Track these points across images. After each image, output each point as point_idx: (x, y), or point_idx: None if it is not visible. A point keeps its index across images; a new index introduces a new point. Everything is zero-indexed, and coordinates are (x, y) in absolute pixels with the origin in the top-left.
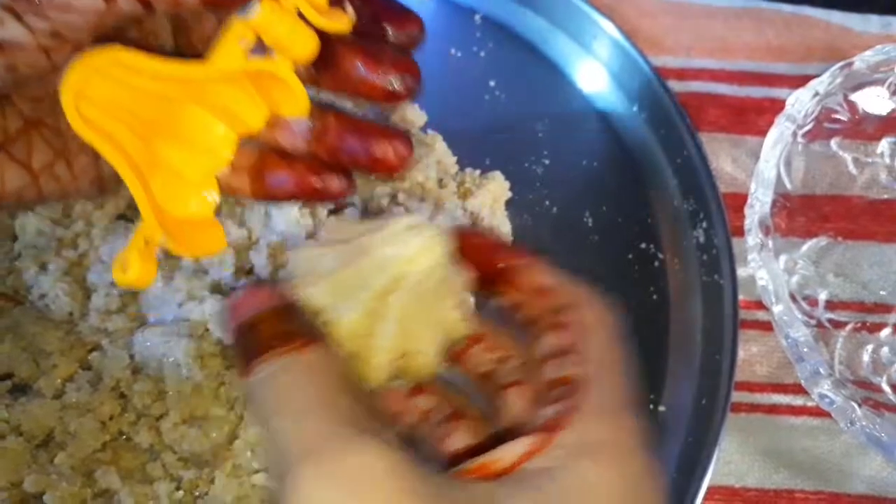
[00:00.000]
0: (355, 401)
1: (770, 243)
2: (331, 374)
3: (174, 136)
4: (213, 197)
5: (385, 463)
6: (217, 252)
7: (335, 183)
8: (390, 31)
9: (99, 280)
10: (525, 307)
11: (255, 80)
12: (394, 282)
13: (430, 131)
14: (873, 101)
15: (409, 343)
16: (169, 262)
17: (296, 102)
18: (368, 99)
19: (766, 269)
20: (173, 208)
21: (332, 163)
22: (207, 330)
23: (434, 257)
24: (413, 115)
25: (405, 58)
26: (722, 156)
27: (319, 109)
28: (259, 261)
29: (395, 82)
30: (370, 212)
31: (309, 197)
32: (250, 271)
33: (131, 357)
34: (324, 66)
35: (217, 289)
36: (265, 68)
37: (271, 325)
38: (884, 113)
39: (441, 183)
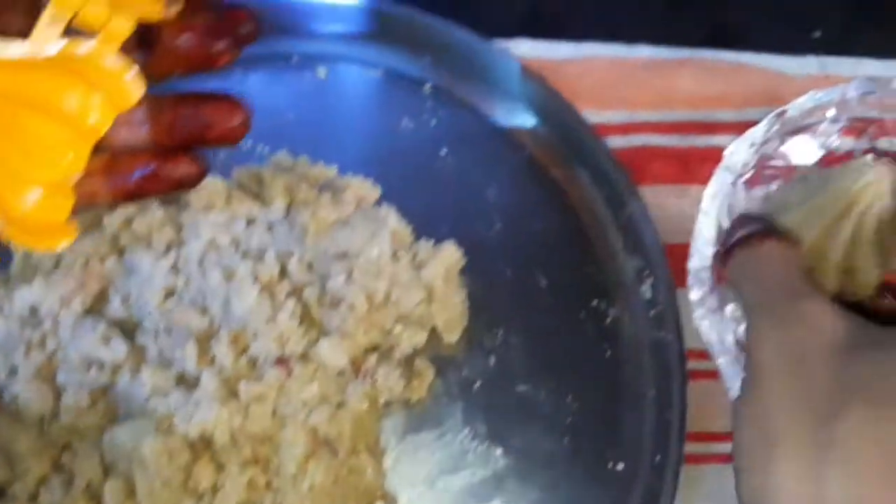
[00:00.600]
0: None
1: (714, 295)
2: (789, 262)
3: (16, 143)
4: (66, 203)
5: (832, 309)
6: (61, 248)
7: (185, 164)
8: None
9: (68, 379)
10: None
11: (82, 73)
12: (845, 209)
13: (384, 205)
14: (803, 149)
15: (853, 261)
16: (134, 352)
17: (127, 90)
18: (209, 67)
19: (708, 321)
20: (18, 208)
21: (176, 146)
22: (173, 423)
23: (879, 191)
24: (366, 190)
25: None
26: (668, 207)
27: (153, 95)
28: (220, 349)
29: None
30: None
31: (165, 188)
32: (213, 360)
33: (101, 456)
34: (149, 48)
35: (181, 380)
36: (85, 53)
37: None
38: (813, 161)
39: (395, 256)
